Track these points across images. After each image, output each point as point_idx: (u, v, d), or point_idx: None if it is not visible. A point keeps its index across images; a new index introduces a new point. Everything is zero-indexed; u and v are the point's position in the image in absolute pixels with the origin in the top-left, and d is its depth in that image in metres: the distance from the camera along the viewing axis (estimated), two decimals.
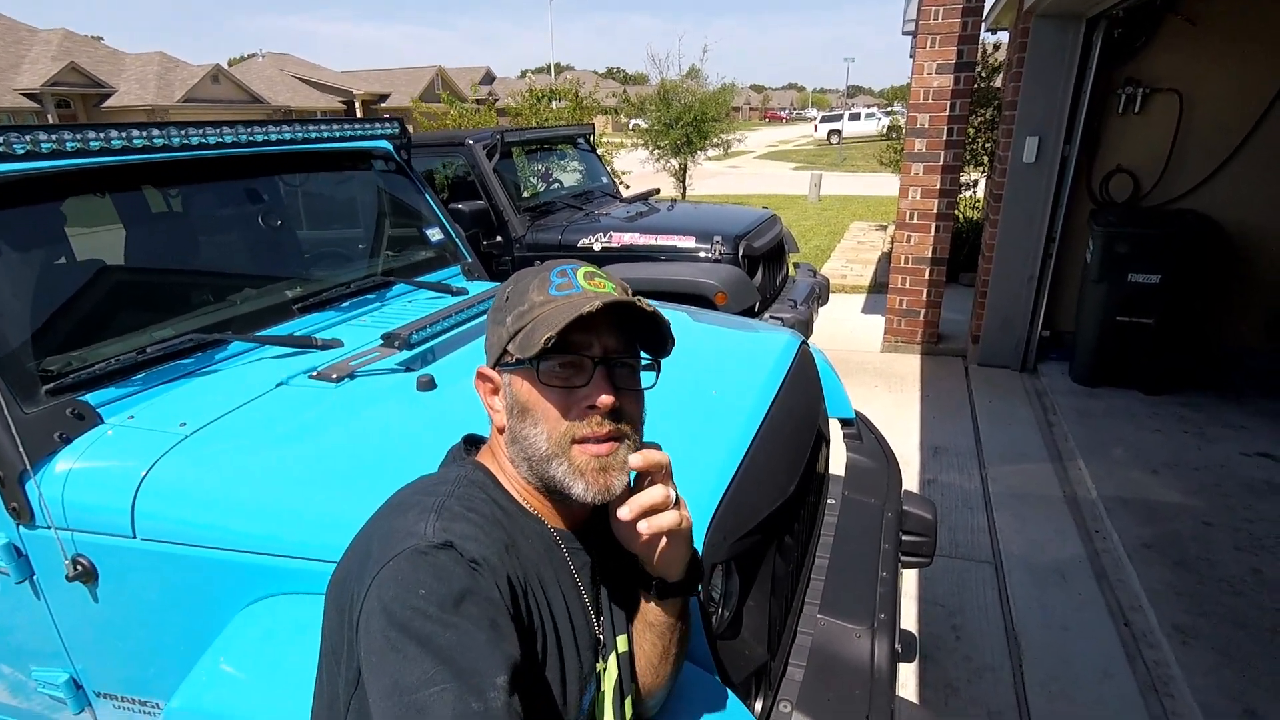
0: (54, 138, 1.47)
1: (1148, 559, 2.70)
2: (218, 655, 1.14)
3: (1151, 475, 3.30)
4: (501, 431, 0.86)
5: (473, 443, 0.95)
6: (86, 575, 1.27)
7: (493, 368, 0.86)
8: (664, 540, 0.83)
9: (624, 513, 0.78)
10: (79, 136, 1.51)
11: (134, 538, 1.23)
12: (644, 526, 0.79)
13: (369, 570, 0.70)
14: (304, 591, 1.15)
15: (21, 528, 1.29)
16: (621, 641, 0.90)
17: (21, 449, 1.24)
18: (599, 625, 0.87)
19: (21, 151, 1.42)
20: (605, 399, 0.79)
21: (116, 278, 1.79)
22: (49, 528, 1.26)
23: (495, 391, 0.86)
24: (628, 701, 0.89)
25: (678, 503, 0.83)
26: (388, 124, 2.49)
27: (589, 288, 0.81)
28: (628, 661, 0.90)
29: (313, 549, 1.13)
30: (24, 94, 26.38)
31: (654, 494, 0.80)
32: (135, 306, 1.71)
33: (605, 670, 0.87)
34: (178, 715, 1.09)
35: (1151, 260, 3.98)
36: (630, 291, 0.86)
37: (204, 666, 1.13)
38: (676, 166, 11.77)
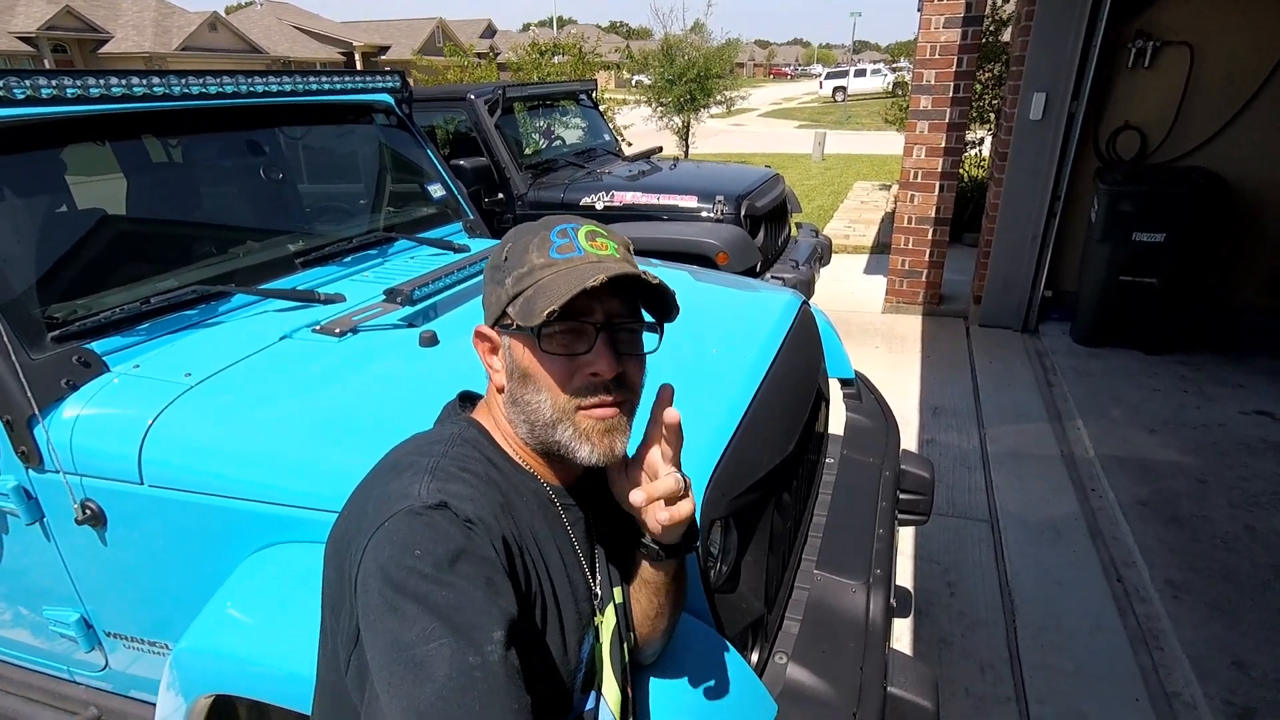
0: (54, 83, 1.45)
1: (1142, 516, 2.74)
2: (224, 600, 1.16)
3: (1149, 434, 3.32)
4: (501, 391, 0.85)
5: (468, 399, 0.94)
6: (95, 519, 1.29)
7: (491, 327, 0.84)
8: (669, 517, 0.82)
9: (637, 498, 0.78)
10: (79, 83, 1.49)
11: (141, 484, 1.25)
12: (664, 517, 0.78)
13: (365, 531, 0.71)
14: (307, 540, 1.17)
15: (31, 471, 1.31)
16: (618, 593, 0.91)
17: (29, 394, 1.26)
18: (594, 579, 0.89)
19: (21, 96, 1.40)
20: (608, 369, 0.77)
21: (119, 227, 1.79)
22: (57, 472, 1.28)
23: (494, 351, 0.85)
24: (625, 648, 0.91)
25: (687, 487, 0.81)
26: (389, 77, 2.44)
27: (591, 250, 0.78)
28: (624, 611, 0.92)
29: (316, 499, 1.14)
30: (19, 37, 25.85)
31: (667, 484, 0.79)
32: (138, 257, 1.71)
33: (603, 621, 0.88)
34: (185, 656, 1.12)
35: (1157, 218, 3.94)
36: (633, 250, 0.85)
37: (211, 610, 1.16)
38: (680, 124, 11.57)
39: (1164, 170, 4.29)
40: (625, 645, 0.91)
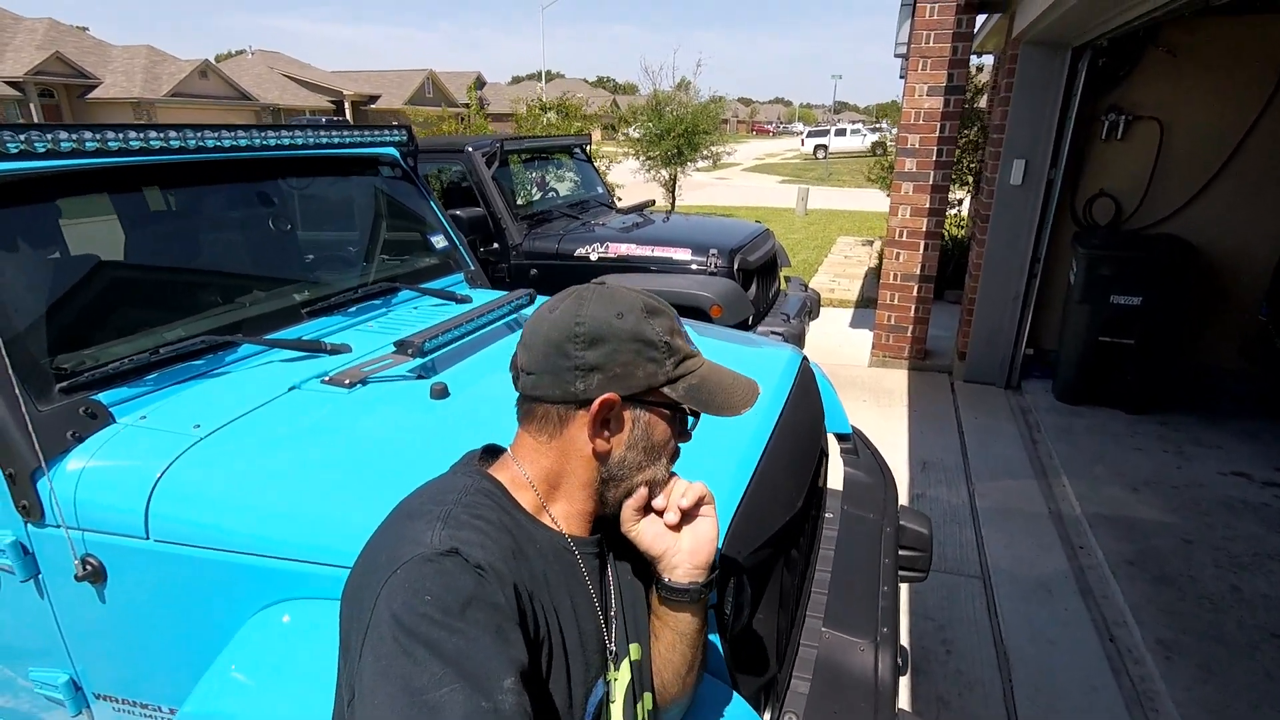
0: (49, 137, 1.44)
1: (1131, 575, 2.77)
2: (230, 660, 1.13)
3: (1133, 493, 3.38)
4: (602, 456, 0.86)
5: (491, 453, 0.95)
6: (95, 575, 1.26)
7: (629, 398, 0.85)
8: (689, 532, 0.90)
9: (659, 502, 0.89)
10: (75, 137, 1.48)
11: (147, 539, 1.22)
12: (671, 517, 0.89)
13: (379, 579, 0.71)
14: (318, 596, 1.15)
15: (30, 526, 1.28)
16: (635, 649, 0.91)
17: (37, 446, 1.24)
18: (610, 632, 0.88)
19: (15, 150, 1.39)
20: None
21: (127, 276, 1.78)
22: (59, 526, 1.25)
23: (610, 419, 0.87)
24: (640, 708, 0.90)
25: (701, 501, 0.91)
26: (396, 131, 2.50)
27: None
28: (640, 669, 0.91)
29: (328, 554, 1.13)
30: (7, 82, 25.99)
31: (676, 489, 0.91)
32: (145, 306, 1.70)
33: (616, 677, 0.87)
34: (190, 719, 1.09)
35: (1132, 282, 4.09)
36: None
37: (216, 671, 1.13)
38: (666, 177, 11.85)
39: (1138, 236, 4.47)
40: (640, 706, 0.90)
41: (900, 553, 1.98)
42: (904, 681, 2.29)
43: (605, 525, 0.91)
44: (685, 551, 0.89)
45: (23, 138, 1.42)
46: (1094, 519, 3.16)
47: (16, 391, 1.25)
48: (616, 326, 0.83)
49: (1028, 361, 4.87)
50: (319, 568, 1.14)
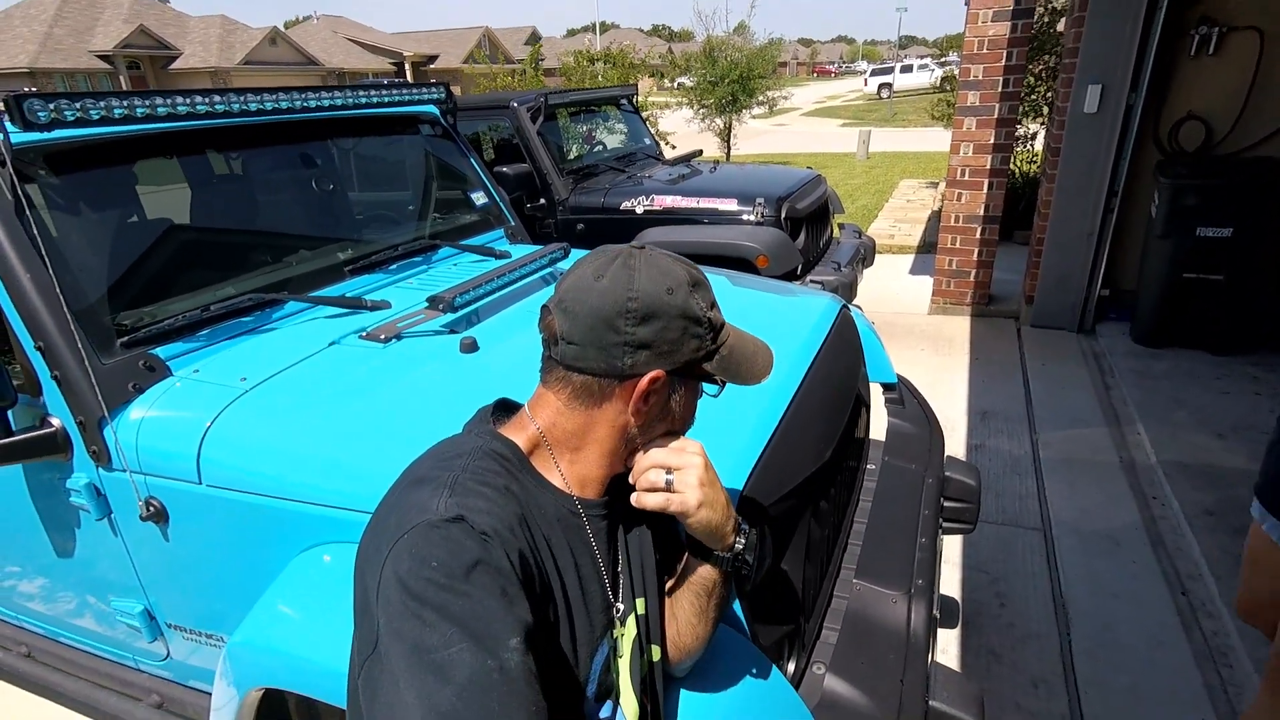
0: (125, 104, 1.54)
1: (1210, 526, 2.61)
2: (275, 597, 1.21)
3: (1217, 439, 3.16)
4: (639, 429, 0.86)
5: (504, 408, 0.94)
6: (158, 516, 1.36)
7: (671, 371, 0.84)
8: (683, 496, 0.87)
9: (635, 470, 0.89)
10: (147, 103, 1.57)
11: (200, 484, 1.31)
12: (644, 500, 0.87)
13: (386, 544, 0.73)
14: (351, 540, 1.20)
15: (100, 469, 1.39)
16: (640, 604, 0.92)
17: (100, 396, 1.33)
18: (615, 590, 0.89)
19: (97, 117, 1.49)
20: None
21: (183, 237, 1.88)
22: (124, 470, 1.35)
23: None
24: (645, 659, 0.91)
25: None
26: (435, 89, 2.50)
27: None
28: (646, 623, 0.92)
29: (357, 500, 1.18)
30: (99, 55, 27.49)
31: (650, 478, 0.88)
32: (200, 265, 1.79)
33: (622, 634, 0.89)
34: (238, 650, 1.17)
35: (1223, 212, 3.75)
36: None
37: (263, 607, 1.20)
38: (721, 125, 11.51)
39: (1231, 162, 4.08)
40: (645, 656, 0.91)
41: (946, 504, 1.92)
42: (953, 634, 2.25)
43: (617, 486, 0.91)
44: (678, 505, 0.88)
45: (102, 104, 1.50)
46: (1170, 467, 2.98)
47: (80, 346, 1.35)
48: (668, 303, 0.80)
49: (1103, 303, 4.57)
50: (348, 513, 1.20)
